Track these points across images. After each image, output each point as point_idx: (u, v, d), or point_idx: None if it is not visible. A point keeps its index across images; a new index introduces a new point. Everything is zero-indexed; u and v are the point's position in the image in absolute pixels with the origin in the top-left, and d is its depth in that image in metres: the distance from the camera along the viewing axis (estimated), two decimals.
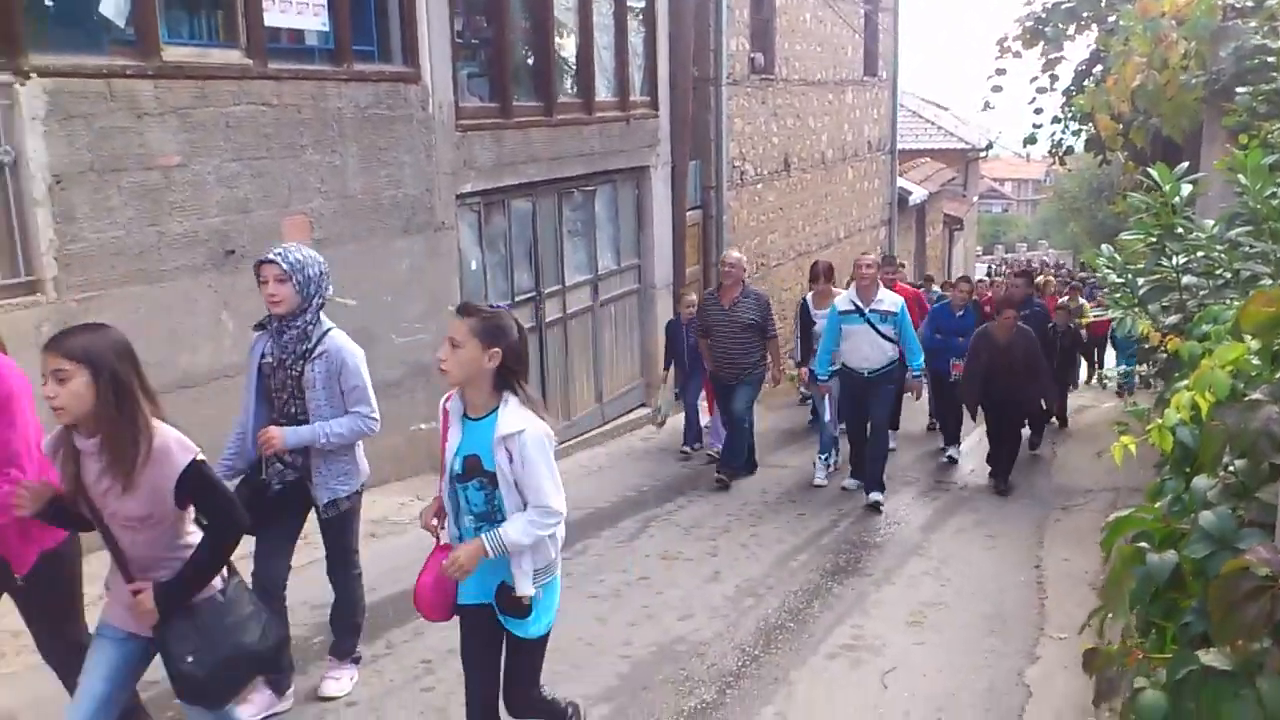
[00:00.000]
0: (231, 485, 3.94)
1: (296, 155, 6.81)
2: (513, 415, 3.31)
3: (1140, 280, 4.47)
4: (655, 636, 5.36)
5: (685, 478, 8.88)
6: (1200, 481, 2.17)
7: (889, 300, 8.09)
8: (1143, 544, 2.09)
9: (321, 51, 7.20)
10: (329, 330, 4.29)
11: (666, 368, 9.99)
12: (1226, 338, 3.09)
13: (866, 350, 8.05)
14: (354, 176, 7.27)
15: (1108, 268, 4.64)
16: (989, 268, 36.40)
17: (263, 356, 4.33)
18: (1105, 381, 12.41)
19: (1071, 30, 11.51)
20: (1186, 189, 4.36)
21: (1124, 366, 14.96)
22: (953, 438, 10.14)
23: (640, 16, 11.20)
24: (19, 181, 5.30)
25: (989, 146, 27.49)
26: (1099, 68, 11.49)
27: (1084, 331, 13.99)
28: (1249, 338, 2.34)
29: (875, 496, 8.07)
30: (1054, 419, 11.56)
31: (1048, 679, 4.96)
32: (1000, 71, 12.51)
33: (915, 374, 8.22)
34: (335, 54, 7.19)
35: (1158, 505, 2.32)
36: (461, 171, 8.33)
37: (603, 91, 10.51)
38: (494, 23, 8.93)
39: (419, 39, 7.79)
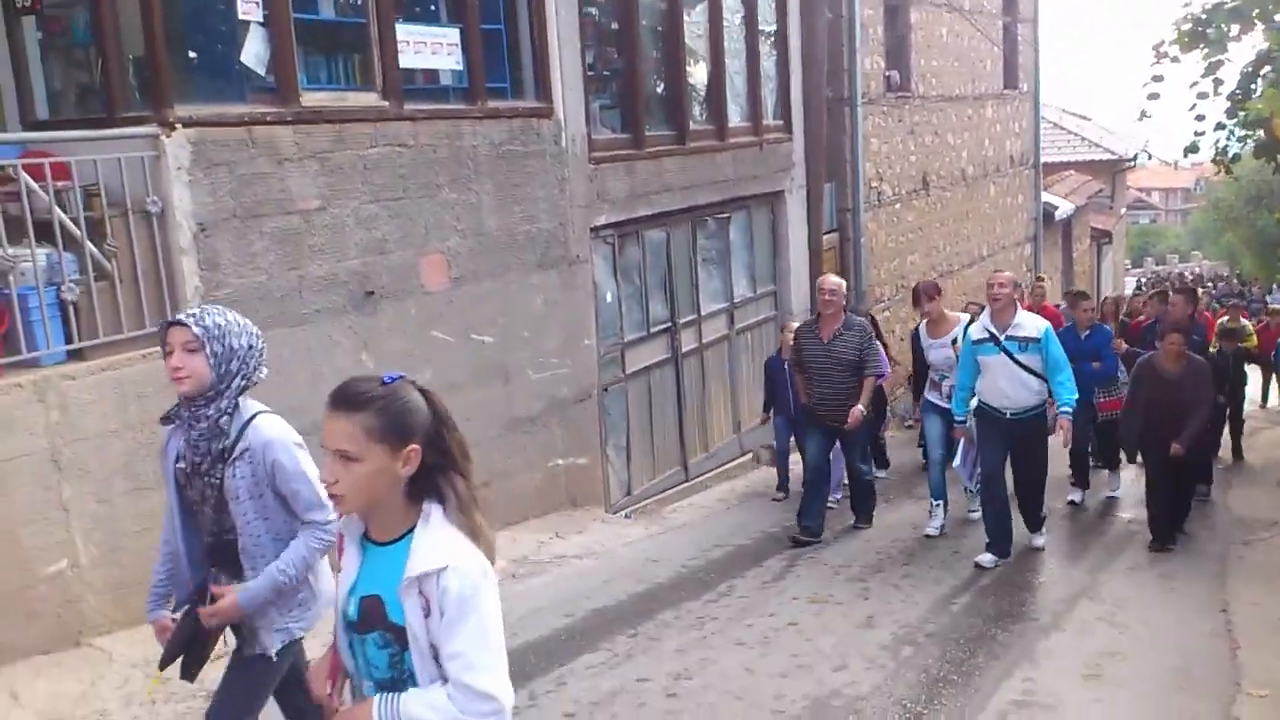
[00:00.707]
0: (166, 617, 3.32)
1: (433, 195, 6.80)
2: (433, 543, 2.19)
3: None
4: (809, 689, 5.06)
5: (829, 514, 8.51)
6: None
7: (1029, 325, 6.87)
8: None
9: (456, 90, 7.20)
10: (252, 419, 3.21)
11: (766, 411, 9.19)
12: None
13: (1004, 386, 6.84)
14: (489, 213, 7.23)
15: None
16: (1138, 281, 34.80)
17: (176, 459, 3.26)
18: None
19: (1235, 31, 10.77)
20: None
21: None
22: (1082, 480, 8.98)
23: (772, 39, 10.98)
24: (166, 231, 5.38)
25: (1137, 157, 26.24)
26: (1267, 69, 10.73)
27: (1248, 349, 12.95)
28: None
29: (1037, 540, 7.39)
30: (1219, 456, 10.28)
31: None
32: (1157, 78, 11.78)
33: (1063, 410, 6.78)
34: (469, 92, 7.18)
35: None
36: (595, 204, 8.23)
37: (735, 117, 10.31)
38: (625, 53, 8.84)
39: (551, 73, 7.74)
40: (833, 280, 7.63)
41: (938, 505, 7.82)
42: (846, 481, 8.47)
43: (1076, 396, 6.86)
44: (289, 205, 5.93)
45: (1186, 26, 11.40)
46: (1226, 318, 13.56)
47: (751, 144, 10.49)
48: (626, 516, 8.55)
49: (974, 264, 16.35)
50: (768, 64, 10.92)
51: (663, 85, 9.50)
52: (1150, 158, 19.30)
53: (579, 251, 8.06)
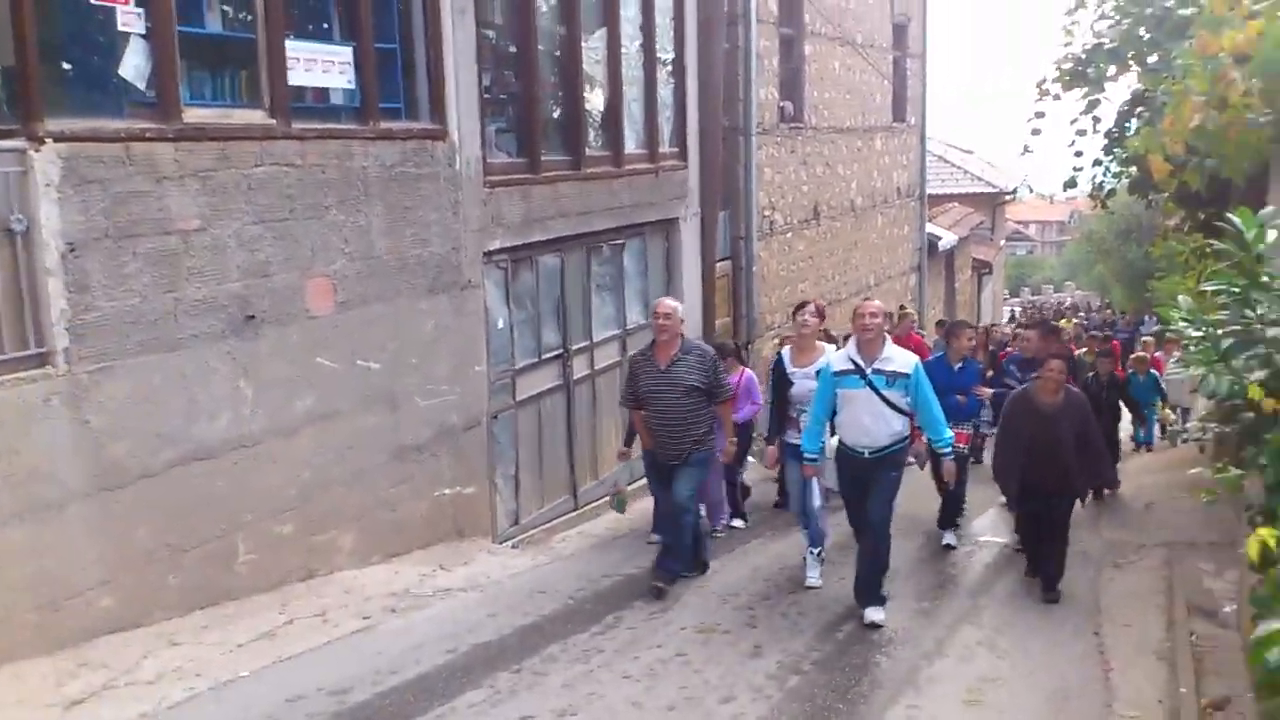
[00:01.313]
0: None
1: (320, 216, 6.62)
2: None
3: (1221, 333, 4.15)
4: None
5: (719, 542, 8.50)
6: None
7: (899, 359, 6.45)
8: None
9: (347, 110, 7.03)
10: None
11: (628, 442, 8.36)
12: None
13: (867, 422, 6.39)
14: (379, 236, 7.06)
15: (1184, 320, 4.32)
16: (1010, 311, 35.98)
17: None
18: (1176, 433, 11.79)
19: (1113, 71, 11.24)
20: (1271, 235, 4.05)
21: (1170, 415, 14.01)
22: (949, 521, 8.57)
23: (669, 67, 11.05)
24: (31, 250, 5.11)
25: (1017, 190, 27.21)
26: (1142, 108, 11.21)
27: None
28: None
29: (872, 615, 6.46)
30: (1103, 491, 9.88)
31: None
32: (1039, 114, 12.24)
33: (944, 451, 6.59)
34: (361, 112, 7.02)
35: None
36: (489, 228, 8.12)
37: (631, 144, 10.33)
38: (522, 78, 8.78)
39: (447, 95, 7.63)
40: (668, 303, 7.04)
41: (814, 553, 7.29)
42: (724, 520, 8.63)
43: (949, 435, 6.62)
44: (167, 225, 5.70)
45: (1068, 65, 11.86)
46: (1084, 350, 13.82)
47: (648, 171, 10.51)
48: (514, 547, 8.41)
49: (861, 292, 16.66)
50: (665, 92, 10.98)
51: (560, 111, 9.45)
52: (1031, 191, 20.01)
53: (471, 276, 7.93)
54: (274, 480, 6.44)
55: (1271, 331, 4.03)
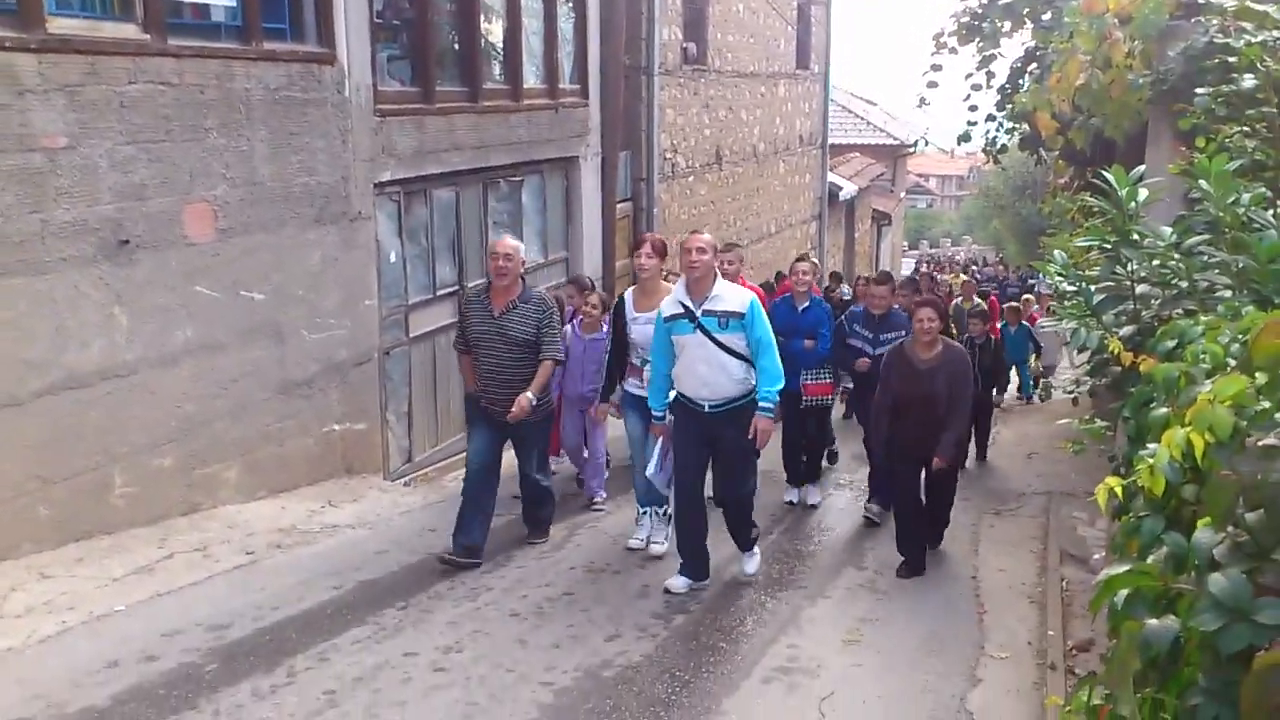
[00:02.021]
0: None
1: (199, 139, 6.34)
2: None
3: (1093, 289, 4.26)
4: (581, 659, 5.03)
5: (612, 478, 8.51)
6: (1204, 536, 1.91)
7: (731, 298, 5.66)
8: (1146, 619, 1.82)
9: (228, 29, 6.72)
10: None
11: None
12: (1202, 358, 2.86)
13: (703, 372, 5.64)
14: (263, 162, 6.81)
15: (1060, 274, 4.42)
16: (915, 264, 36.66)
17: None
18: (1045, 391, 11.99)
19: (1008, 27, 11.41)
20: (1143, 194, 4.16)
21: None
22: (797, 475, 8.14)
23: (570, 2, 10.84)
24: None
25: (917, 143, 27.56)
26: (1034, 65, 11.42)
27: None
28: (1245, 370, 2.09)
29: (744, 565, 6.28)
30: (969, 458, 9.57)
31: (990, 707, 4.74)
32: (936, 68, 12.40)
33: (764, 407, 5.63)
34: (243, 31, 6.72)
35: (1151, 560, 2.06)
36: (380, 159, 7.90)
37: (531, 79, 10.13)
38: (416, 3, 8.50)
39: (335, 18, 7.35)
40: (509, 242, 6.28)
41: (644, 514, 6.66)
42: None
43: (780, 386, 5.71)
44: (30, 141, 5.39)
45: (965, 20, 12.00)
46: (960, 298, 13.29)
47: (547, 107, 10.34)
48: (406, 484, 8.30)
49: (762, 239, 16.80)
50: (566, 26, 10.78)
51: (457, 40, 9.20)
52: (928, 144, 20.32)
53: (361, 208, 7.72)
54: (152, 412, 6.22)
55: (1140, 288, 4.14)
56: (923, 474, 6.73)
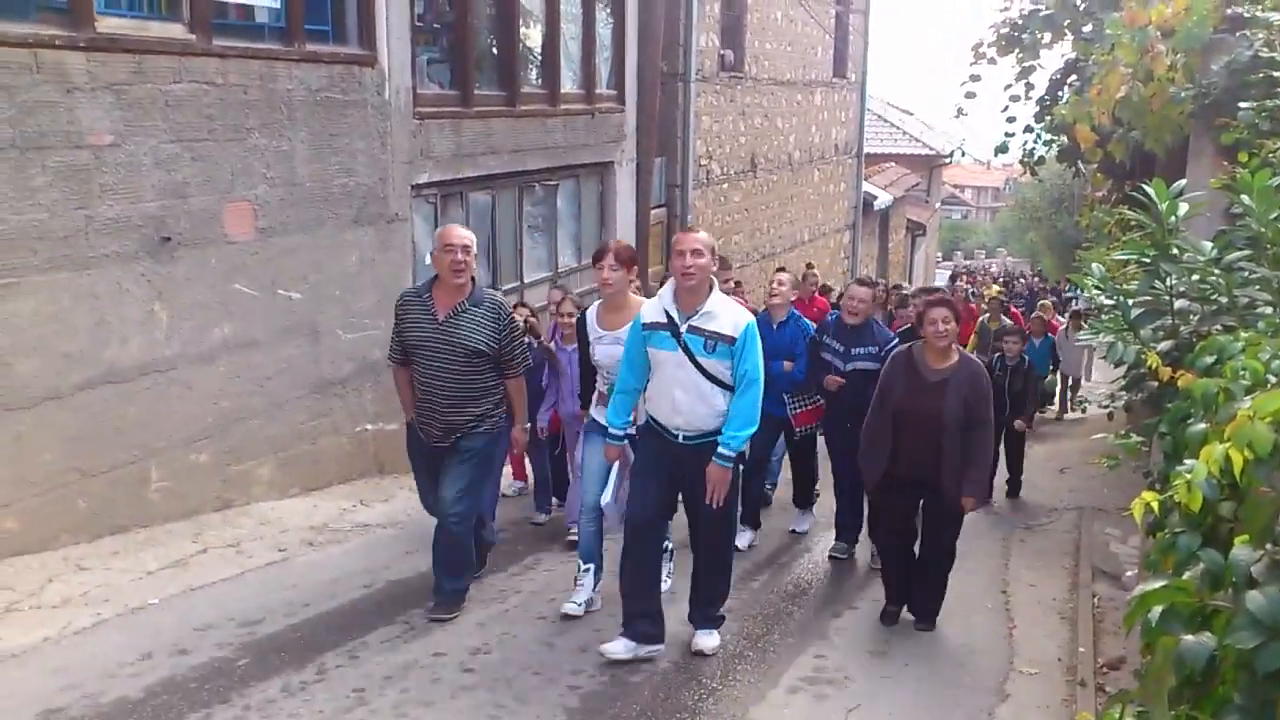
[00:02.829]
0: None
1: (241, 139, 6.42)
2: None
3: (1131, 303, 4.23)
4: (608, 664, 5.04)
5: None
6: (1242, 553, 1.90)
7: (725, 317, 4.67)
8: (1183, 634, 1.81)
9: (272, 30, 6.81)
10: None
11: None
12: (1242, 374, 2.83)
13: (679, 397, 4.70)
14: (303, 163, 6.88)
15: (1097, 288, 4.39)
16: (952, 273, 36.42)
17: None
18: (1083, 405, 11.76)
19: (1048, 38, 11.35)
20: (1183, 208, 4.12)
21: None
22: (803, 501, 7.57)
23: (609, 7, 10.88)
24: None
25: (953, 154, 27.42)
26: (1074, 77, 11.34)
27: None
28: None
29: (700, 642, 5.13)
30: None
31: None
32: (975, 78, 12.34)
33: (723, 454, 4.64)
34: (286, 33, 6.80)
35: (1187, 576, 2.04)
36: (418, 161, 7.97)
37: (568, 84, 10.18)
38: (457, 7, 8.58)
39: (376, 20, 7.42)
40: (459, 232, 5.26)
41: (586, 571, 5.56)
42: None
43: (750, 433, 4.71)
44: (78, 139, 5.48)
45: (1004, 30, 11.94)
46: (986, 316, 12.38)
47: (584, 112, 10.38)
48: None
49: (796, 248, 16.76)
50: (604, 32, 10.82)
51: (495, 44, 9.27)
52: (964, 155, 20.22)
53: (399, 209, 7.79)
54: (190, 408, 6.30)
55: (1179, 303, 4.11)
56: (918, 507, 5.66)
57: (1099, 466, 6.50)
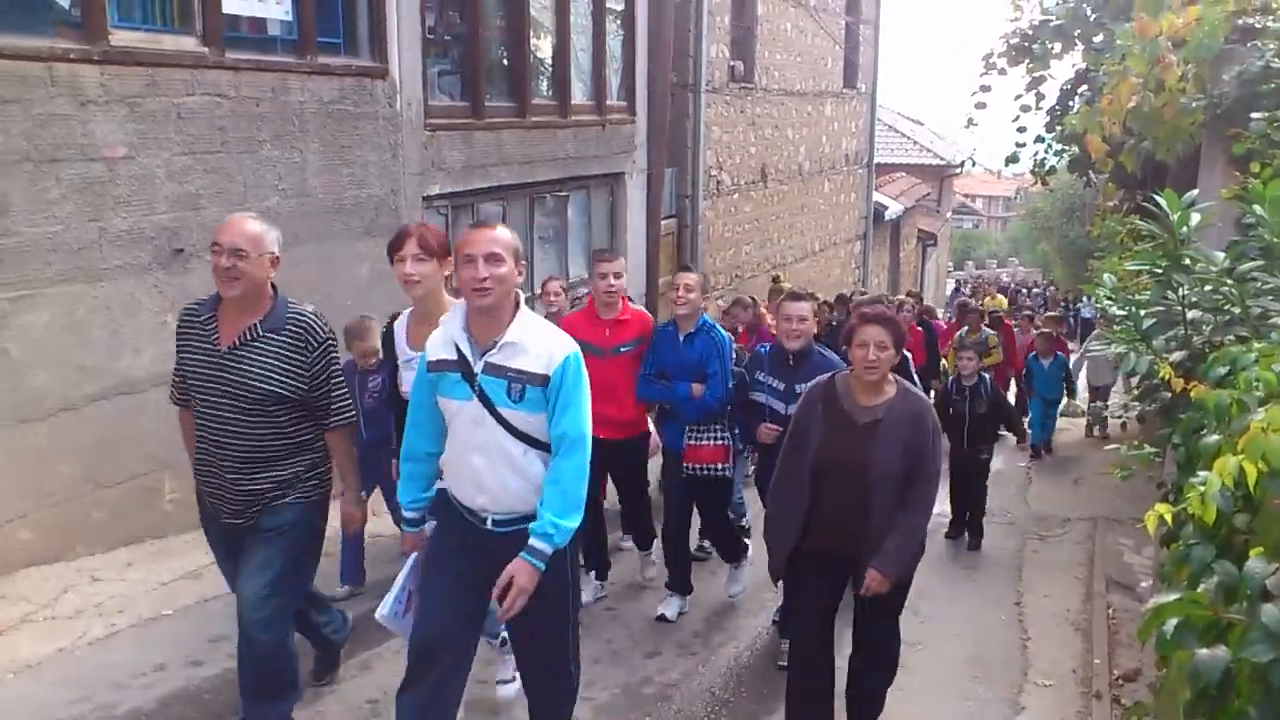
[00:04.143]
0: None
1: (253, 150, 6.45)
2: None
3: (1143, 313, 4.22)
4: (621, 676, 5.03)
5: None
6: (1256, 565, 1.89)
7: (537, 348, 3.29)
8: (1197, 648, 1.80)
9: (284, 42, 6.83)
10: None
11: None
12: (1256, 385, 2.82)
13: (479, 466, 3.34)
14: (315, 174, 6.91)
15: (1109, 298, 4.38)
16: (955, 283, 36.34)
17: None
18: (1099, 413, 11.33)
19: (1058, 48, 11.35)
20: (1195, 218, 4.11)
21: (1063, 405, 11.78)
22: (679, 580, 5.87)
23: (619, 19, 10.91)
24: None
25: (964, 163, 27.41)
26: (1084, 87, 11.34)
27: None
28: None
29: None
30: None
31: None
32: (985, 88, 12.36)
33: (533, 546, 3.25)
34: (298, 45, 6.83)
35: (1201, 589, 2.04)
36: (429, 172, 7.99)
37: (579, 95, 10.20)
38: (467, 19, 8.60)
39: (388, 32, 7.45)
40: (249, 227, 3.75)
41: (491, 643, 4.38)
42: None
43: (575, 523, 3.29)
44: (92, 151, 5.51)
45: (1015, 40, 11.94)
46: (965, 329, 11.50)
47: (594, 123, 10.40)
48: None
49: (806, 258, 16.76)
50: (614, 43, 10.85)
51: (506, 56, 9.30)
52: (974, 165, 20.22)
53: (410, 220, 7.79)
54: None
55: (1191, 313, 4.10)
56: (842, 594, 4.25)
57: (1112, 476, 6.46)
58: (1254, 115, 5.54)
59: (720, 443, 5.60)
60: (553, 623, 3.46)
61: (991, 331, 11.68)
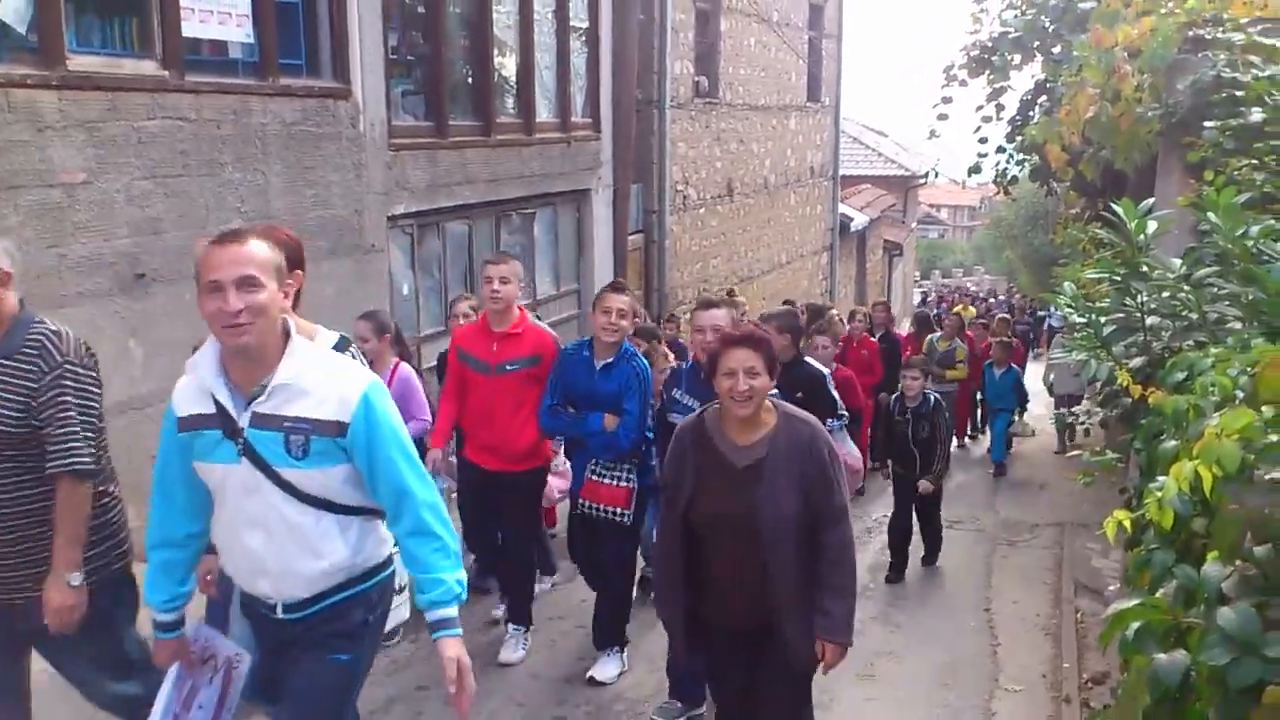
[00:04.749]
0: None
1: (215, 173, 6.41)
2: None
3: (1104, 321, 4.27)
4: (592, 693, 5.02)
5: None
6: (1212, 570, 1.92)
7: (323, 388, 2.71)
8: (1155, 654, 1.83)
9: (245, 64, 6.80)
10: None
11: None
12: (1211, 390, 2.86)
13: (256, 544, 2.77)
14: (278, 196, 6.88)
15: (1069, 306, 4.43)
16: (922, 294, 36.57)
17: None
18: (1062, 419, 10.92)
19: (1018, 60, 11.50)
20: (1152, 226, 4.17)
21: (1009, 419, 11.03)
22: (613, 634, 5.26)
23: (583, 37, 10.94)
24: None
25: (928, 174, 27.66)
26: (1044, 98, 11.48)
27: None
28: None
29: None
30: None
31: None
32: (946, 100, 12.49)
33: (440, 618, 2.75)
34: (260, 67, 6.80)
35: (1160, 594, 2.06)
36: (394, 192, 7.97)
37: (543, 112, 10.22)
38: (430, 39, 8.60)
39: (350, 53, 7.44)
40: None
41: None
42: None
43: (459, 584, 2.76)
44: (49, 177, 5.45)
45: (975, 53, 12.09)
46: (938, 335, 11.36)
47: (559, 140, 10.42)
48: None
49: (773, 270, 16.84)
50: (578, 61, 10.88)
51: (470, 74, 9.30)
52: (939, 176, 20.40)
53: (375, 241, 7.78)
54: None
55: (1150, 320, 4.15)
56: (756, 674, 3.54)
57: (1076, 482, 6.53)
58: (1206, 124, 5.64)
59: (624, 485, 4.92)
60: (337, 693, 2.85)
61: (961, 344, 11.29)
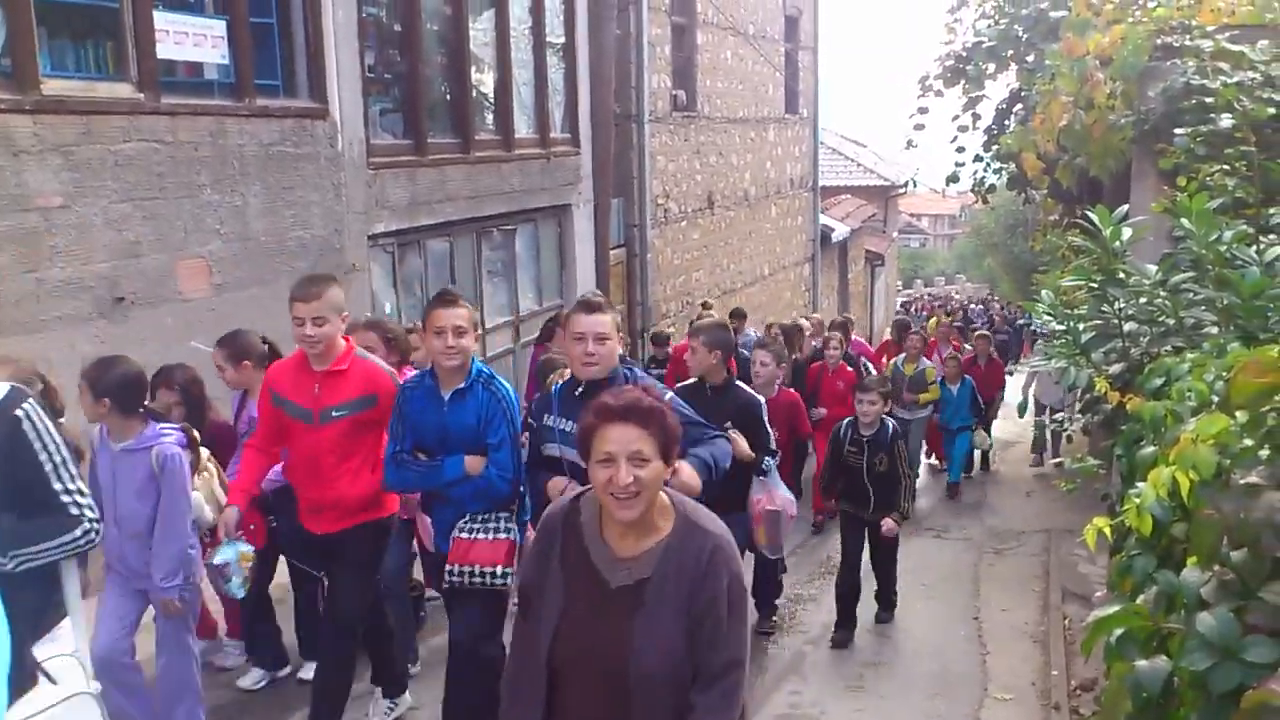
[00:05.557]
0: None
1: (193, 195, 6.39)
2: None
3: (1082, 327, 4.29)
4: None
5: None
6: (1191, 575, 1.93)
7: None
8: (1137, 660, 1.83)
9: (221, 86, 6.79)
10: None
11: None
12: (1189, 395, 2.88)
13: None
14: (256, 217, 6.86)
15: (1048, 314, 4.45)
16: (903, 303, 36.68)
17: None
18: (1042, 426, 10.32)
19: (992, 69, 11.59)
20: (1127, 232, 4.20)
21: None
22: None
23: (560, 52, 10.96)
24: None
25: (908, 184, 27.79)
26: (1019, 107, 11.57)
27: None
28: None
29: None
30: None
31: None
32: (923, 110, 12.57)
33: None
34: (236, 88, 6.79)
35: (1141, 600, 2.07)
36: (373, 211, 7.96)
37: (522, 128, 10.23)
38: (407, 57, 8.60)
39: (327, 73, 7.43)
40: None
41: None
42: None
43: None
44: (25, 202, 5.43)
45: (949, 63, 12.17)
46: (903, 356, 10.26)
47: (539, 156, 10.43)
48: None
49: (756, 282, 16.87)
50: (556, 77, 10.90)
51: (447, 91, 9.31)
52: (918, 185, 20.52)
53: (355, 260, 7.76)
54: None
55: (1128, 326, 4.17)
56: None
57: (1060, 489, 6.55)
58: (1178, 131, 5.69)
59: (503, 536, 3.93)
60: None
61: (930, 364, 10.42)
